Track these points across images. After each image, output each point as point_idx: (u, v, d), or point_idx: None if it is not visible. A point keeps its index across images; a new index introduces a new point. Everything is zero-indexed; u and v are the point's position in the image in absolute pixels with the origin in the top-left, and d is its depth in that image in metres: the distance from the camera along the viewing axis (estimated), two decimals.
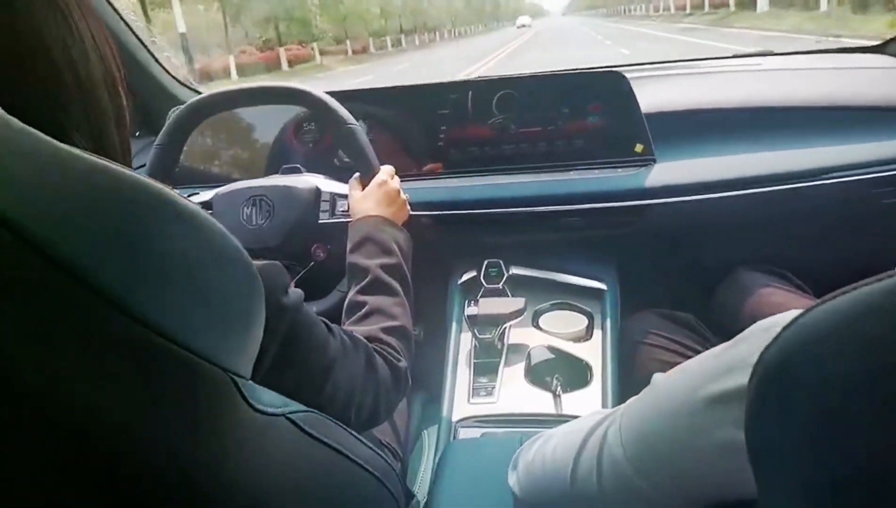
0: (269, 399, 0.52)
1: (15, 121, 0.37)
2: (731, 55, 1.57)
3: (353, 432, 0.70)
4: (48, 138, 0.37)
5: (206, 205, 1.17)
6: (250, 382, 0.49)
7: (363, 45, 38.75)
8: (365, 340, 0.84)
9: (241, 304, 0.48)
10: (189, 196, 1.22)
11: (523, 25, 63.10)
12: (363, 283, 0.96)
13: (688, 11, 37.05)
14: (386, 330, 0.90)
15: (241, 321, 0.47)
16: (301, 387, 0.70)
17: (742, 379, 0.44)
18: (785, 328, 0.38)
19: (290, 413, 0.55)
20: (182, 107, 1.15)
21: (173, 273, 0.40)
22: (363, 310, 0.93)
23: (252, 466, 0.48)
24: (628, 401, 0.60)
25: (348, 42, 36.49)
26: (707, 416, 0.47)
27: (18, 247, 0.33)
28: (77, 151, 0.38)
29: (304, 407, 0.58)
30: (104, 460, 0.38)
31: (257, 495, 0.49)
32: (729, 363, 0.47)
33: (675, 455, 0.52)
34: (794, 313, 0.46)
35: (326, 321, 0.78)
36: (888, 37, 1.42)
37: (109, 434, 0.37)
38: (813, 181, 1.18)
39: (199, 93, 1.63)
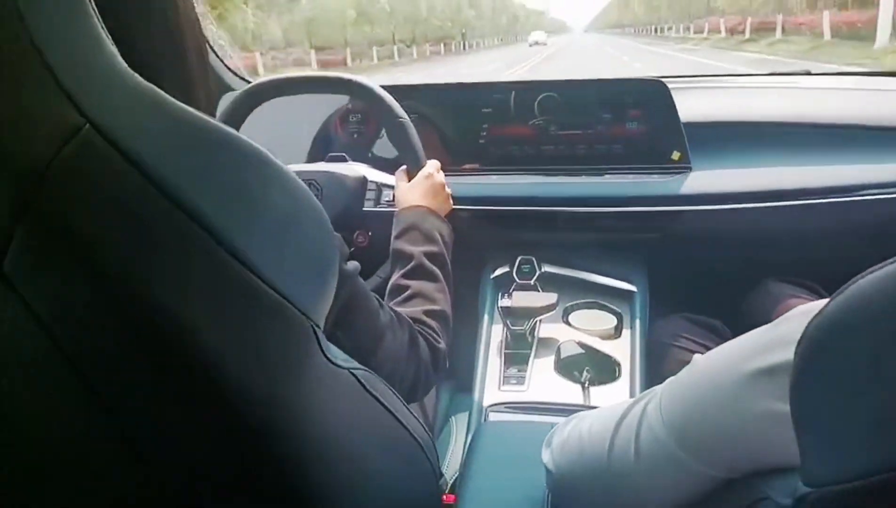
0: (336, 352, 0.56)
1: (144, 82, 0.41)
2: (768, 73, 1.59)
3: (400, 397, 0.74)
4: (159, 90, 0.42)
5: None
6: (324, 338, 0.53)
7: (341, 57, 32.57)
8: (407, 319, 0.88)
9: (325, 259, 0.52)
10: None
11: (536, 42, 55.22)
12: (407, 268, 1.00)
13: (747, 36, 28.29)
14: (427, 313, 0.94)
15: (324, 275, 0.52)
16: (355, 350, 0.74)
17: (785, 354, 0.46)
18: (827, 304, 0.41)
19: (353, 369, 0.59)
20: (239, 92, 1.20)
21: (275, 225, 0.45)
22: (406, 293, 0.97)
23: (321, 409, 0.52)
24: (667, 380, 0.63)
25: (313, 52, 30.58)
26: (751, 387, 0.49)
27: (146, 188, 0.38)
28: (186, 107, 0.42)
29: (364, 367, 0.62)
30: (206, 384, 0.42)
31: (321, 436, 0.52)
32: (772, 340, 0.50)
33: (717, 425, 0.53)
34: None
35: (377, 296, 0.82)
36: None
37: (216, 365, 0.42)
38: (846, 197, 1.21)
39: (247, 81, 1.70)
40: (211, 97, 0.62)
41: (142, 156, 0.38)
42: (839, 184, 1.21)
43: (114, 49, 0.41)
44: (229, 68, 1.68)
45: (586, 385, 1.10)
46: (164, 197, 0.38)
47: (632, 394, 1.09)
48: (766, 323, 1.18)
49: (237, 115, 1.20)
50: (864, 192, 1.21)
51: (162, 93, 0.42)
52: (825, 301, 0.47)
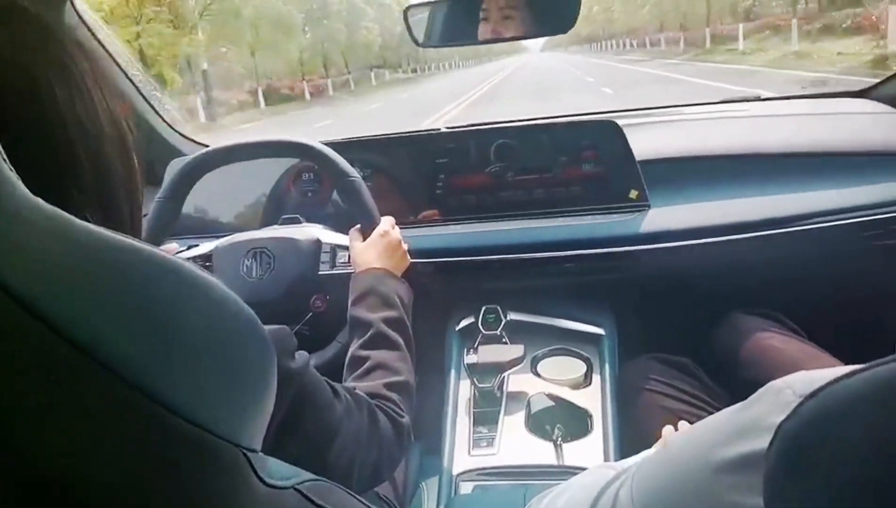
0: (277, 470, 0.52)
1: (31, 197, 0.37)
2: (719, 100, 1.60)
3: (357, 496, 0.70)
4: (63, 213, 0.38)
5: (207, 257, 1.18)
6: (260, 454, 0.49)
7: (298, 90, 29.07)
8: (367, 397, 0.85)
9: (256, 377, 0.48)
10: (188, 248, 1.23)
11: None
12: (365, 337, 0.97)
13: (682, 49, 31.52)
14: (388, 386, 0.91)
15: (256, 394, 0.48)
16: (306, 452, 0.70)
17: (755, 443, 0.44)
18: (802, 402, 0.39)
19: (299, 483, 0.55)
20: (184, 161, 1.17)
21: (191, 350, 0.41)
22: (366, 365, 0.94)
23: None
24: (641, 460, 0.60)
25: (259, 90, 25.63)
26: (718, 481, 0.47)
27: (30, 324, 0.34)
28: (92, 227, 0.38)
29: (312, 476, 0.58)
30: None
31: None
32: (741, 426, 0.48)
33: None
34: (805, 376, 0.47)
35: (330, 382, 0.79)
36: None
37: None
38: (804, 225, 1.21)
39: (199, 144, 1.67)
40: (136, 194, 0.57)
41: (35, 298, 0.35)
42: (796, 213, 1.21)
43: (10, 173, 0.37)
44: (178, 132, 1.65)
45: (558, 442, 1.06)
46: (54, 334, 0.34)
47: (605, 449, 1.06)
48: (734, 358, 1.17)
49: (182, 186, 1.17)
50: (822, 219, 1.21)
51: (52, 210, 0.38)
52: (796, 377, 0.46)
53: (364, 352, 0.96)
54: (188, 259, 1.19)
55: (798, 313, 1.22)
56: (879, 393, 0.35)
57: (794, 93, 1.62)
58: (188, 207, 1.45)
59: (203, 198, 1.49)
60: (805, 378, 0.47)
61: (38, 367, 0.35)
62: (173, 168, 1.24)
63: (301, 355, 0.72)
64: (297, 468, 0.57)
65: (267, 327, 0.67)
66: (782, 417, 0.43)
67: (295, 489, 0.54)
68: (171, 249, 1.19)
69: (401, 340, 0.98)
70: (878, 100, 1.43)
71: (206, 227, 1.41)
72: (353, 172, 1.13)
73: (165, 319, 0.40)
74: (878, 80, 1.46)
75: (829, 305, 1.25)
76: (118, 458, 0.37)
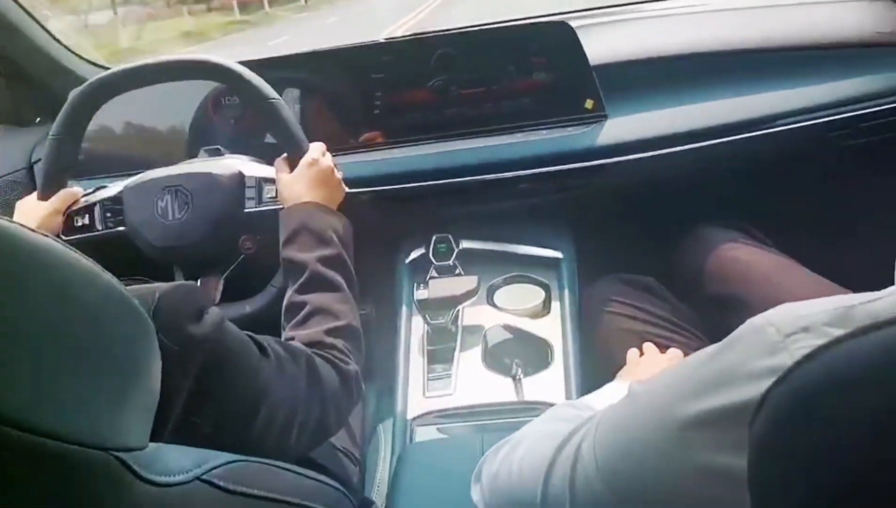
0: (175, 463, 0.43)
1: None
2: None
3: (290, 466, 0.62)
4: None
5: (116, 199, 1.04)
6: (149, 448, 0.40)
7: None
8: (306, 348, 0.77)
9: (122, 358, 0.38)
10: (96, 189, 1.09)
11: None
12: (301, 280, 0.87)
13: None
14: (330, 332, 0.82)
15: (126, 382, 0.38)
16: (225, 424, 0.61)
17: (733, 394, 0.39)
18: (799, 364, 0.32)
19: (206, 473, 0.46)
20: (77, 89, 1.01)
21: (25, 342, 0.31)
22: (304, 312, 0.85)
23: None
24: (603, 410, 0.53)
25: None
26: (689, 438, 0.42)
27: None
28: None
29: (228, 457, 0.50)
30: None
31: None
32: (717, 374, 0.41)
33: (650, 477, 0.47)
34: (789, 311, 0.40)
35: (255, 337, 0.69)
36: None
37: None
38: (769, 128, 1.12)
39: (104, 68, 1.48)
40: None
41: None
42: (760, 115, 1.13)
43: None
44: (80, 56, 1.46)
45: (518, 377, 0.99)
46: None
47: (566, 381, 1.00)
48: (700, 273, 1.10)
49: (78, 119, 1.02)
50: (787, 121, 1.13)
51: None
52: (777, 312, 0.40)
53: (301, 297, 0.87)
54: (94, 203, 1.06)
55: (767, 224, 1.15)
56: (892, 365, 0.28)
57: None
58: (100, 142, 1.31)
59: (117, 130, 1.34)
60: (789, 313, 0.40)
61: None
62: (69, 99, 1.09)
63: (212, 313, 0.61)
64: (205, 453, 0.48)
65: (163, 285, 0.57)
66: (766, 361, 0.37)
67: (201, 480, 0.45)
68: (75, 194, 1.06)
69: (340, 280, 0.89)
70: None
71: (120, 165, 1.26)
72: (272, 93, 0.99)
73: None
74: None
75: (799, 213, 1.18)
76: None
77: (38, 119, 1.41)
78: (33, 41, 1.32)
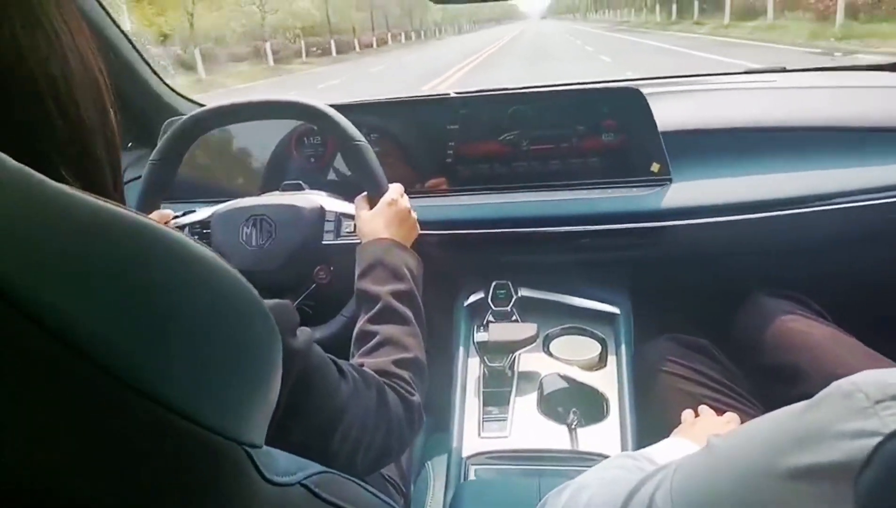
0: (283, 465, 0.46)
1: (8, 159, 0.31)
2: (743, 71, 1.53)
3: (366, 484, 0.65)
4: (32, 172, 0.31)
5: (204, 224, 1.11)
6: (265, 448, 0.44)
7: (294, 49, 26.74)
8: (377, 375, 0.80)
9: (261, 363, 0.42)
10: (185, 213, 1.17)
11: None
12: (373, 311, 0.92)
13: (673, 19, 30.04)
14: (398, 363, 0.86)
15: (261, 382, 0.42)
16: (311, 436, 0.65)
17: (822, 454, 0.40)
18: (882, 442, 0.35)
19: (305, 478, 0.49)
20: (180, 120, 1.10)
21: (184, 336, 0.35)
22: (374, 341, 0.88)
23: None
24: (679, 461, 0.55)
25: (268, 45, 23.77)
26: (785, 488, 0.43)
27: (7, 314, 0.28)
28: (67, 189, 0.32)
29: (319, 468, 0.53)
30: None
31: None
32: (806, 431, 0.43)
33: None
34: (877, 378, 0.41)
35: (336, 359, 0.73)
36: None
37: None
38: (831, 204, 1.15)
39: (196, 103, 1.58)
40: (116, 151, 0.50)
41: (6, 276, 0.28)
42: (824, 192, 1.15)
43: None
44: (174, 91, 1.57)
45: (573, 426, 1.01)
46: (27, 321, 0.28)
47: (622, 435, 1.01)
48: (758, 341, 1.12)
49: (178, 147, 1.10)
50: (851, 198, 1.15)
51: (34, 176, 0.31)
52: (864, 377, 0.42)
53: (372, 327, 0.91)
54: (184, 226, 1.13)
55: (823, 296, 1.16)
56: None
57: (822, 66, 1.54)
58: (185, 170, 1.39)
59: (202, 160, 1.42)
60: (877, 380, 0.42)
61: (7, 357, 0.28)
62: (168, 128, 1.17)
63: (303, 331, 0.66)
64: (303, 460, 0.52)
65: (266, 301, 0.61)
66: (858, 424, 0.39)
67: (301, 484, 0.49)
68: (167, 215, 1.13)
69: (410, 314, 0.93)
70: None
71: (204, 192, 1.34)
72: (360, 136, 1.06)
73: (158, 302, 0.33)
74: None
75: (856, 289, 1.19)
76: (109, 463, 0.32)
77: (130, 144, 1.51)
78: (135, 71, 1.43)
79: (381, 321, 0.90)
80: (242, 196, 1.17)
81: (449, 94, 1.44)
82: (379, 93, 1.54)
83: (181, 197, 1.34)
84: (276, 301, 0.64)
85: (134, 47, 1.41)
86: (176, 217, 1.16)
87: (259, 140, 1.42)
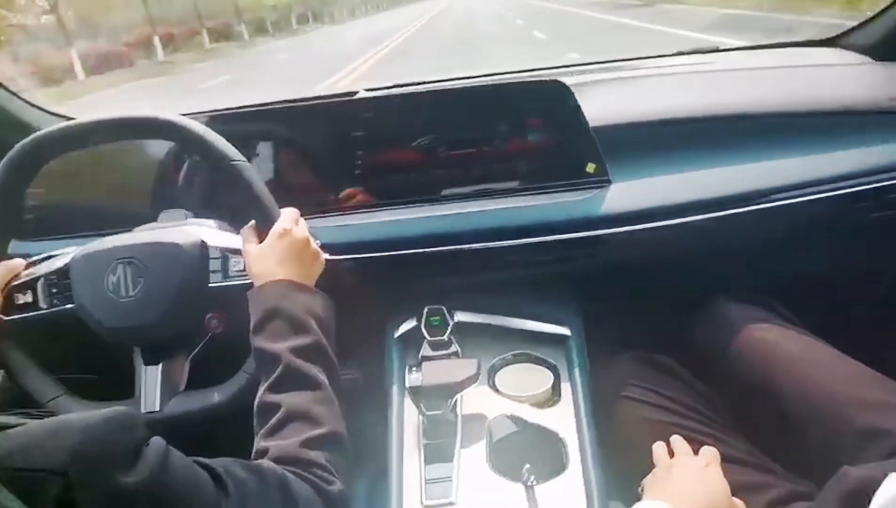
0: None
1: None
2: (675, 52, 1.42)
3: None
4: None
5: (62, 272, 0.90)
6: None
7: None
8: (279, 468, 0.63)
9: None
10: (40, 260, 0.94)
11: None
12: (273, 377, 0.75)
13: None
14: (309, 443, 0.69)
15: None
16: None
17: None
18: None
19: None
20: (15, 148, 0.87)
21: None
22: (277, 416, 0.72)
23: None
24: None
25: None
26: None
27: None
28: None
29: None
30: None
31: None
32: None
33: None
34: None
35: (211, 465, 0.56)
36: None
37: None
38: (789, 198, 1.04)
39: (61, 117, 1.34)
40: None
41: None
42: (777, 185, 1.05)
43: None
44: (31, 104, 1.32)
45: (530, 484, 0.85)
46: None
47: (586, 488, 0.86)
48: (723, 353, 1.00)
49: (15, 182, 0.88)
50: (808, 190, 1.05)
51: None
52: None
53: (274, 398, 0.74)
54: (38, 278, 0.91)
55: (789, 298, 1.06)
56: None
57: (758, 43, 1.44)
58: (54, 199, 1.16)
59: (75, 185, 1.20)
60: None
61: None
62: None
63: (151, 450, 0.49)
64: None
65: (89, 417, 0.44)
66: None
67: None
68: (16, 267, 0.91)
69: (320, 374, 0.76)
70: (851, 48, 1.28)
71: (80, 224, 1.11)
72: (236, 155, 0.87)
73: None
74: (848, 27, 1.31)
75: (823, 288, 1.09)
76: None
77: None
78: None
79: (284, 388, 0.74)
80: (125, 227, 0.96)
81: (356, 93, 1.26)
82: (279, 93, 1.34)
83: (48, 232, 1.11)
84: (108, 414, 0.48)
85: None
86: (28, 267, 0.93)
87: (144, 157, 1.20)
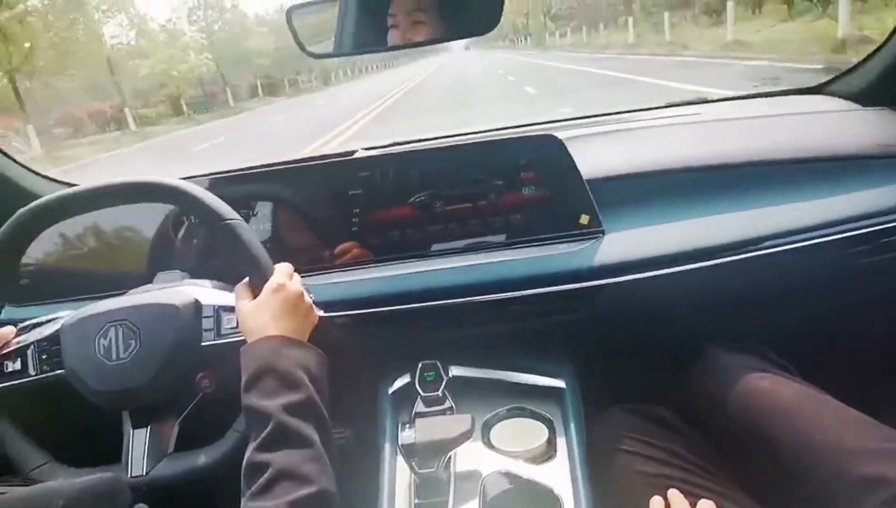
0: None
1: None
2: (664, 105, 1.44)
3: None
4: None
5: (52, 339, 0.91)
6: None
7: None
8: None
9: None
10: (30, 328, 0.95)
11: None
12: (263, 435, 0.74)
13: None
14: (297, 505, 0.69)
15: None
16: None
17: None
18: None
19: None
20: (15, 216, 0.90)
21: None
22: (266, 476, 0.71)
23: None
24: None
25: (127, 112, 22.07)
26: None
27: None
28: None
29: None
30: None
31: None
32: None
33: None
34: None
35: None
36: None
37: None
38: (782, 246, 1.04)
39: (60, 183, 1.38)
40: None
41: None
42: (771, 232, 1.05)
43: None
44: (32, 171, 1.35)
45: None
46: None
47: None
48: (720, 403, 0.98)
49: (8, 252, 0.90)
50: (801, 236, 1.05)
51: None
52: None
53: (262, 457, 0.73)
54: (29, 345, 0.92)
55: (783, 347, 1.05)
56: None
57: (745, 93, 1.47)
58: (51, 264, 1.19)
59: (72, 250, 1.22)
60: None
61: None
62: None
63: None
64: None
65: (74, 484, 0.44)
66: None
67: None
68: (5, 335, 0.92)
69: (311, 432, 0.76)
70: (838, 95, 1.30)
71: (78, 288, 1.13)
72: (230, 213, 0.89)
73: None
74: (833, 75, 1.33)
75: (817, 335, 1.08)
76: None
77: None
78: None
79: (274, 447, 0.74)
80: (120, 290, 0.98)
81: (354, 152, 1.29)
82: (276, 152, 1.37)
83: (43, 296, 1.13)
84: (90, 486, 0.48)
85: None
86: (21, 330, 0.95)
87: (141, 221, 1.23)
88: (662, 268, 1.04)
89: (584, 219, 1.09)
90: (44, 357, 0.90)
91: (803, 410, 0.93)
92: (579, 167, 1.10)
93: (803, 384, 0.98)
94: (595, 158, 1.15)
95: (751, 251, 1.04)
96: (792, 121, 1.27)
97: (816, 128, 1.22)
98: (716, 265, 1.04)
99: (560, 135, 1.13)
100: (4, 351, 0.91)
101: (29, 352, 0.91)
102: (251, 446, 0.75)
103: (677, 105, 1.43)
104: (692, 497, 0.83)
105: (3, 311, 0.98)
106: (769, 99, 1.43)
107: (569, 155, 1.10)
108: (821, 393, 0.95)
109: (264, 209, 1.19)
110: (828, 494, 0.82)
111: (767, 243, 1.04)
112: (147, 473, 0.86)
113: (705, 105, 1.43)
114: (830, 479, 0.83)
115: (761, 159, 1.13)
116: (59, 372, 0.89)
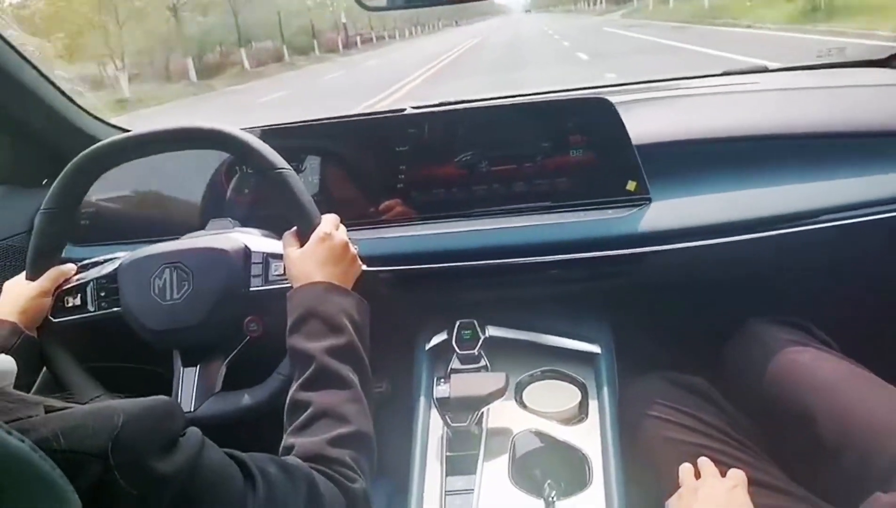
0: None
1: None
2: (721, 72, 1.40)
3: None
4: None
5: (110, 277, 0.95)
6: None
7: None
8: (306, 466, 0.66)
9: None
10: (90, 265, 1.00)
11: None
12: (306, 375, 0.77)
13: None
14: (336, 441, 0.71)
15: None
16: None
17: None
18: None
19: None
20: (76, 159, 0.94)
21: None
22: (307, 414, 0.74)
23: None
24: None
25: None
26: None
27: None
28: None
29: None
30: None
31: None
32: None
33: None
34: None
35: (243, 459, 0.59)
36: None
37: None
38: (832, 221, 1.01)
39: (117, 128, 1.42)
40: None
41: None
42: (821, 207, 1.02)
43: None
44: (93, 116, 1.40)
45: (551, 500, 0.86)
46: None
47: (608, 503, 0.86)
48: (757, 376, 0.98)
49: (71, 193, 0.95)
50: (852, 213, 1.02)
51: None
52: None
53: (305, 395, 0.76)
54: (88, 282, 0.97)
55: (827, 322, 1.03)
56: None
57: (807, 63, 1.41)
58: (108, 207, 1.23)
59: (129, 194, 1.26)
60: None
61: None
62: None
63: (188, 439, 0.52)
64: None
65: (128, 405, 0.47)
66: None
67: None
68: (66, 272, 0.97)
69: (351, 375, 0.78)
70: None
71: (131, 232, 1.18)
72: (282, 163, 0.91)
73: None
74: None
75: (862, 313, 1.06)
76: None
77: (45, 180, 1.34)
78: (41, 98, 1.26)
79: (316, 387, 0.76)
80: (174, 235, 1.02)
81: (401, 110, 1.30)
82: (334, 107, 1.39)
83: (100, 239, 1.18)
84: (149, 403, 0.51)
85: (39, 72, 1.24)
86: (79, 271, 0.99)
87: (196, 169, 1.26)
88: (709, 239, 1.02)
89: (631, 186, 1.08)
90: (102, 294, 0.95)
91: (842, 386, 0.92)
92: (629, 132, 1.08)
93: (845, 359, 0.97)
94: (646, 124, 1.13)
95: (802, 225, 1.01)
96: (854, 94, 1.22)
97: (880, 101, 1.18)
98: (764, 238, 1.02)
99: (612, 99, 1.12)
100: (66, 287, 0.96)
101: (88, 289, 0.95)
102: (294, 385, 0.78)
103: (734, 73, 1.39)
104: (723, 466, 0.84)
105: (64, 250, 1.03)
106: (833, 70, 1.38)
107: (620, 120, 1.08)
108: (862, 369, 0.94)
109: (313, 162, 1.20)
110: (862, 470, 0.82)
111: (819, 217, 1.01)
112: (195, 410, 0.91)
113: (764, 74, 1.38)
114: (865, 456, 0.82)
115: (819, 131, 1.09)
116: (115, 309, 0.93)
